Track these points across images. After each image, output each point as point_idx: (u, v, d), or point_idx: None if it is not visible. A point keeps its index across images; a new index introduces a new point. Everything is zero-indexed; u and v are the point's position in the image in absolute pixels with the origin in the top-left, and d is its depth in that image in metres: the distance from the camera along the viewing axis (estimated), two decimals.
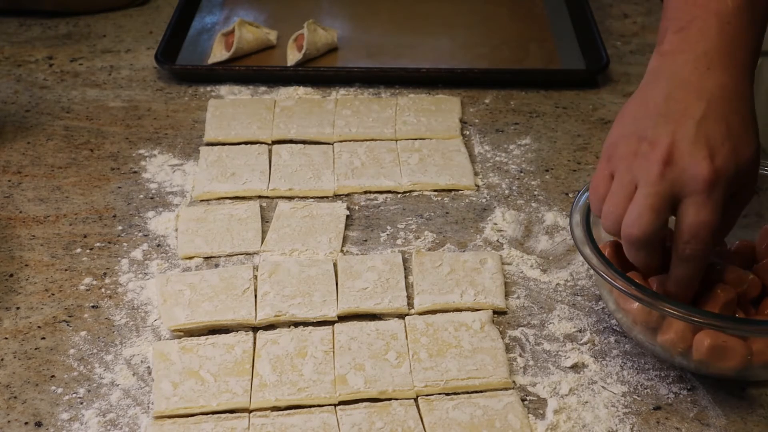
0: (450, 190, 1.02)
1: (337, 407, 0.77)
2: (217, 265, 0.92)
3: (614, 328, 0.85)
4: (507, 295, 0.89)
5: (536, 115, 1.16)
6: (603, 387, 0.79)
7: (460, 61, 1.28)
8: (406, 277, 0.90)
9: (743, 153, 0.73)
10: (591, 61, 1.24)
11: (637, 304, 0.76)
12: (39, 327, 0.85)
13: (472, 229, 0.97)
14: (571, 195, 1.02)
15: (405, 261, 0.92)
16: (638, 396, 0.78)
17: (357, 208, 1.00)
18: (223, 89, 1.21)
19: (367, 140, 1.10)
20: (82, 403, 0.77)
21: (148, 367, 0.81)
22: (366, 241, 0.95)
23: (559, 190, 1.03)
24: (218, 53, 1.26)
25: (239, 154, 1.07)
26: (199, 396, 0.77)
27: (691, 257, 0.73)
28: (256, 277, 0.89)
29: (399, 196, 1.01)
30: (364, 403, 0.77)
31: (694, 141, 0.72)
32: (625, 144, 0.75)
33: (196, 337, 0.83)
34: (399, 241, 0.95)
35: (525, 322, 0.86)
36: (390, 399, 0.78)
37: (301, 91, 1.20)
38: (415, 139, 1.10)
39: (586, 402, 0.78)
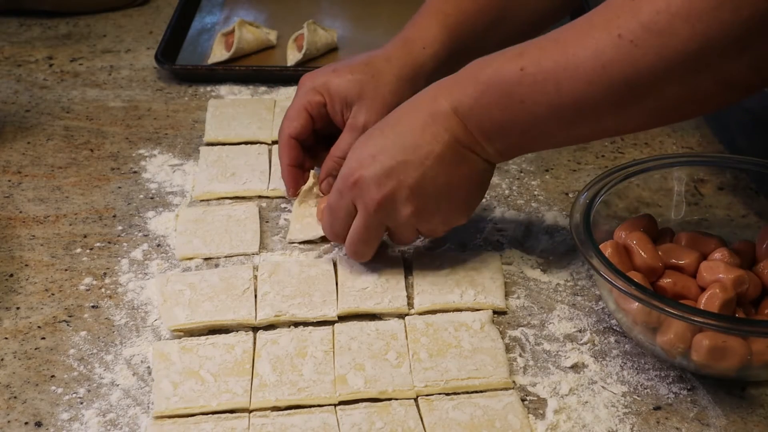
0: None
1: (337, 407, 0.77)
2: (217, 265, 0.92)
3: (614, 328, 0.85)
4: (507, 295, 0.88)
5: None
6: (603, 387, 0.79)
7: None
8: (406, 277, 0.90)
9: None
10: None
11: (637, 304, 0.76)
12: (39, 327, 0.85)
13: (472, 229, 0.97)
14: (571, 195, 1.02)
15: (405, 261, 0.92)
16: (638, 396, 0.78)
17: None
18: (223, 89, 1.21)
19: None
20: (82, 403, 0.77)
21: (148, 367, 0.81)
22: None
23: (559, 190, 1.03)
24: (218, 53, 1.26)
25: (239, 154, 1.07)
26: (199, 396, 0.77)
27: None
28: (256, 277, 0.89)
29: None
30: (364, 403, 0.77)
31: None
32: None
33: (196, 337, 0.83)
34: None
35: (525, 322, 0.86)
36: (390, 399, 0.78)
37: None
38: None
39: (586, 402, 0.78)
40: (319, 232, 0.93)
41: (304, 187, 0.96)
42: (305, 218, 0.95)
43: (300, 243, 0.94)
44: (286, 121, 0.97)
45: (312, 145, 0.99)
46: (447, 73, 0.86)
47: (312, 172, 0.96)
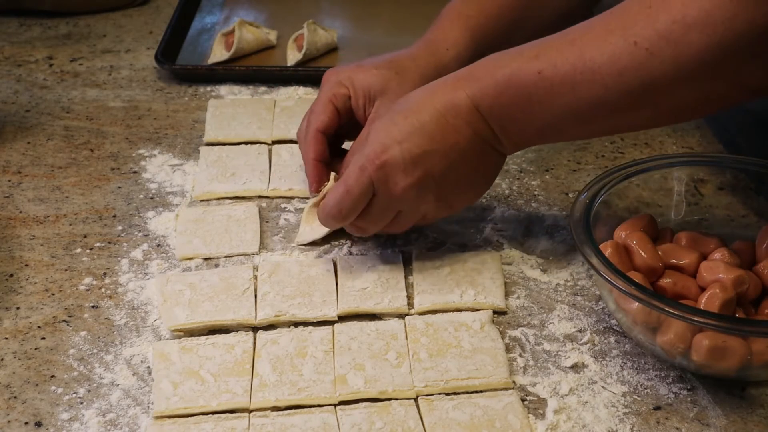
0: None
1: (337, 407, 0.77)
2: (217, 265, 0.92)
3: (614, 328, 0.85)
4: (507, 295, 0.88)
5: None
6: (603, 387, 0.79)
7: None
8: (406, 277, 0.90)
9: None
10: None
11: (637, 304, 0.76)
12: (39, 327, 0.84)
13: (472, 229, 0.97)
14: (571, 195, 1.02)
15: (405, 261, 0.92)
16: (638, 396, 0.78)
17: None
18: (223, 89, 1.21)
19: None
20: (82, 403, 0.77)
21: (148, 367, 0.81)
22: (366, 241, 0.95)
23: (559, 190, 1.03)
24: (218, 53, 1.26)
25: (239, 154, 1.07)
26: (199, 396, 0.77)
27: None
28: (256, 277, 0.89)
29: None
30: (364, 403, 0.77)
31: None
32: None
33: (196, 337, 0.83)
34: (399, 241, 0.95)
35: (525, 322, 0.86)
36: (390, 399, 0.78)
37: (301, 91, 1.20)
38: None
39: (586, 402, 0.78)
40: (324, 229, 0.93)
41: (324, 190, 0.94)
42: (316, 221, 0.95)
43: (306, 245, 0.94)
44: (312, 115, 0.97)
45: (334, 142, 0.99)
46: None
47: (333, 174, 0.94)
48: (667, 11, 0.72)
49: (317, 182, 0.96)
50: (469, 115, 0.83)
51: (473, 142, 0.84)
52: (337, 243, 0.94)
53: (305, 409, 0.77)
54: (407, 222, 0.88)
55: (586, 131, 0.87)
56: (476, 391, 0.78)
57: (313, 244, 0.94)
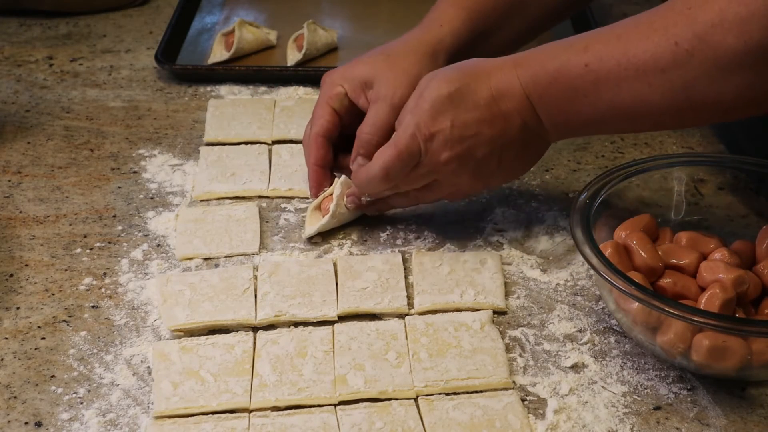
0: None
1: (337, 407, 0.77)
2: (217, 265, 0.92)
3: (614, 328, 0.85)
4: (507, 295, 0.88)
5: None
6: (603, 387, 0.79)
7: None
8: (406, 277, 0.90)
9: None
10: None
11: (637, 304, 0.76)
12: (39, 327, 0.84)
13: (472, 229, 0.97)
14: (571, 195, 1.02)
15: (405, 261, 0.92)
16: (638, 396, 0.78)
17: None
18: (223, 89, 1.21)
19: None
20: (82, 403, 0.77)
21: (148, 367, 0.81)
22: (366, 241, 0.95)
23: (559, 190, 1.03)
24: (218, 53, 1.26)
25: (239, 154, 1.07)
26: (199, 396, 0.77)
27: None
28: (256, 277, 0.89)
29: None
30: (364, 403, 0.77)
31: None
32: None
33: (196, 337, 0.83)
34: (399, 241, 0.95)
35: (525, 322, 0.86)
36: (390, 399, 0.78)
37: (301, 91, 1.20)
38: None
39: (586, 402, 0.78)
40: (327, 220, 0.93)
41: (327, 191, 0.95)
42: (319, 222, 0.95)
43: (305, 240, 0.94)
44: (312, 120, 0.98)
45: (345, 143, 0.99)
46: (469, 52, 0.91)
47: (336, 176, 0.95)
48: (705, 14, 0.74)
49: (317, 186, 0.97)
50: (520, 103, 0.84)
51: (521, 130, 0.86)
52: (337, 243, 0.94)
53: (305, 409, 0.77)
54: (440, 192, 0.91)
55: (629, 127, 0.89)
56: (476, 391, 0.78)
57: (312, 242, 0.94)
